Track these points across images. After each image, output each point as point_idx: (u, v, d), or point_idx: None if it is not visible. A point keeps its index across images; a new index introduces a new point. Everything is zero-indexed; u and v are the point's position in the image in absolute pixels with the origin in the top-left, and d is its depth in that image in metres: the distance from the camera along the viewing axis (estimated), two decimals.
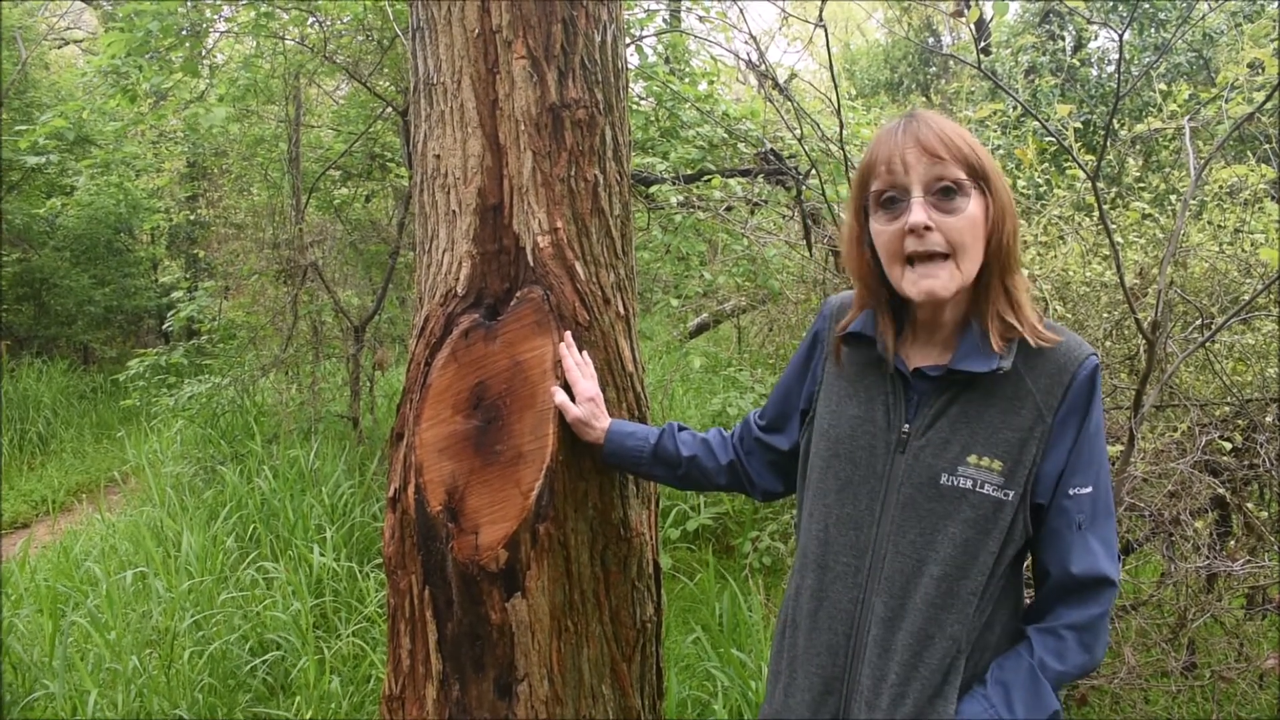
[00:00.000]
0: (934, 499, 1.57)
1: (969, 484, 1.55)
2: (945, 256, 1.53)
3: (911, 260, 1.55)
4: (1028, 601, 1.68)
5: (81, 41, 17.18)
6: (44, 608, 4.31)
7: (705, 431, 2.04)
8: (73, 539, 5.73)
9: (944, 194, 1.52)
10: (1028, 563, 1.69)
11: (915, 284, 1.55)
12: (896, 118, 1.62)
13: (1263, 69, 3.89)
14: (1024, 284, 1.59)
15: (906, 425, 1.62)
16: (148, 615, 4.31)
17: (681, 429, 2.03)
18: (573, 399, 1.97)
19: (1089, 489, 1.56)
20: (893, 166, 1.54)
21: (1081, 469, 1.56)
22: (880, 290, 1.66)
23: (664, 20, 6.88)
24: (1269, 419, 3.32)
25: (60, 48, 16.42)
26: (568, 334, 2.01)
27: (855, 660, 1.62)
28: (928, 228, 1.52)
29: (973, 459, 1.55)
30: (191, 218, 11.59)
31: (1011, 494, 1.54)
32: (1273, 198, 4.77)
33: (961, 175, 1.52)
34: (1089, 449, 1.56)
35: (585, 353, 2.04)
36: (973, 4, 2.77)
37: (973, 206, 1.53)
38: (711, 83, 5.91)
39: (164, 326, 9.72)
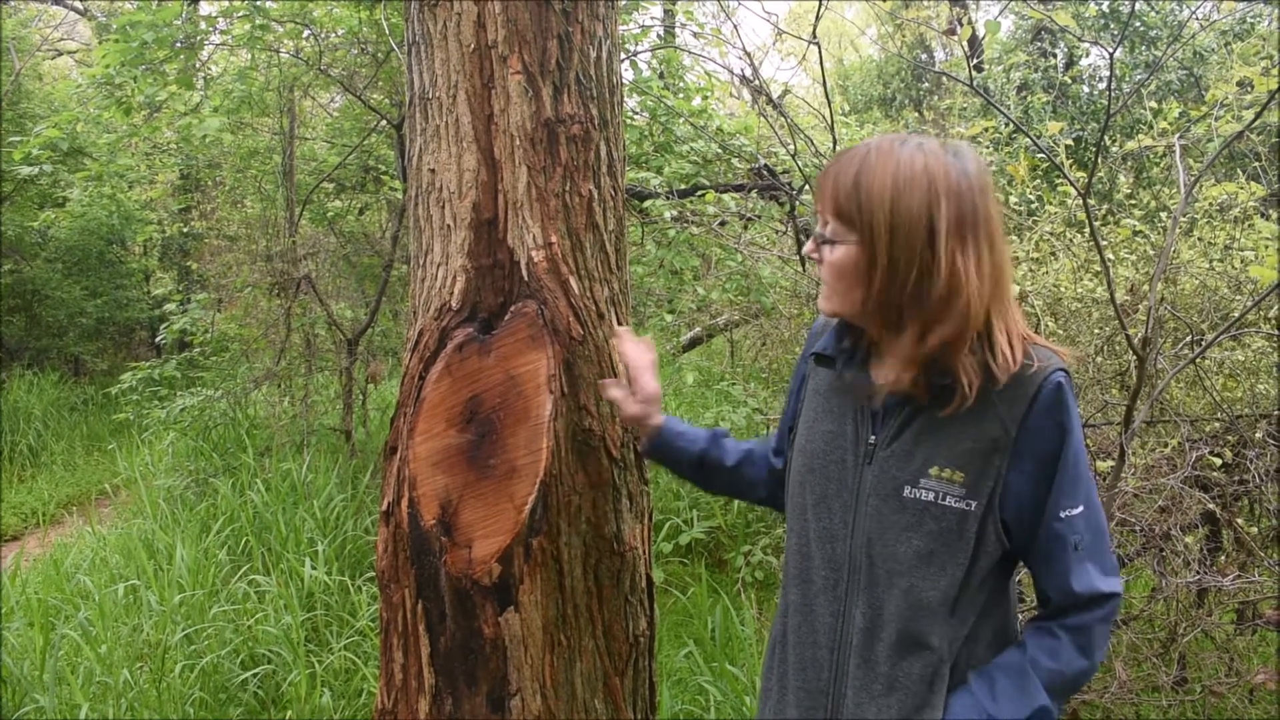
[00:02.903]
0: (898, 510, 1.57)
1: (931, 496, 1.54)
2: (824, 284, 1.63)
3: None
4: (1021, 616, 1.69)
5: (75, 52, 17.21)
6: (34, 621, 4.30)
7: (745, 441, 2.05)
8: (63, 552, 5.71)
9: (823, 235, 1.59)
10: (1019, 576, 1.69)
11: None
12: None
13: (1252, 87, 3.92)
14: (939, 341, 1.49)
15: (873, 437, 1.63)
16: (139, 629, 4.29)
17: (725, 436, 2.03)
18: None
19: (1079, 508, 1.54)
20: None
21: (1069, 490, 1.54)
22: None
23: (658, 35, 6.90)
24: (1259, 435, 3.33)
25: (54, 59, 16.44)
26: (623, 330, 2.06)
27: (840, 673, 1.63)
28: (810, 257, 1.63)
29: (934, 471, 1.55)
30: (184, 230, 11.59)
31: (974, 504, 1.53)
32: (1262, 215, 4.80)
33: (834, 225, 1.55)
34: (1074, 470, 1.54)
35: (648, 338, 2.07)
36: (963, 24, 2.79)
37: (838, 255, 1.54)
38: (705, 98, 5.94)
39: (156, 339, 9.71)
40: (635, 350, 2.01)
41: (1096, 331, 4.01)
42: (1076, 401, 1.61)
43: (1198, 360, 3.32)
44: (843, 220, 1.53)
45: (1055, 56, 11.00)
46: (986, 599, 1.59)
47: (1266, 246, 4.07)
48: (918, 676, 1.55)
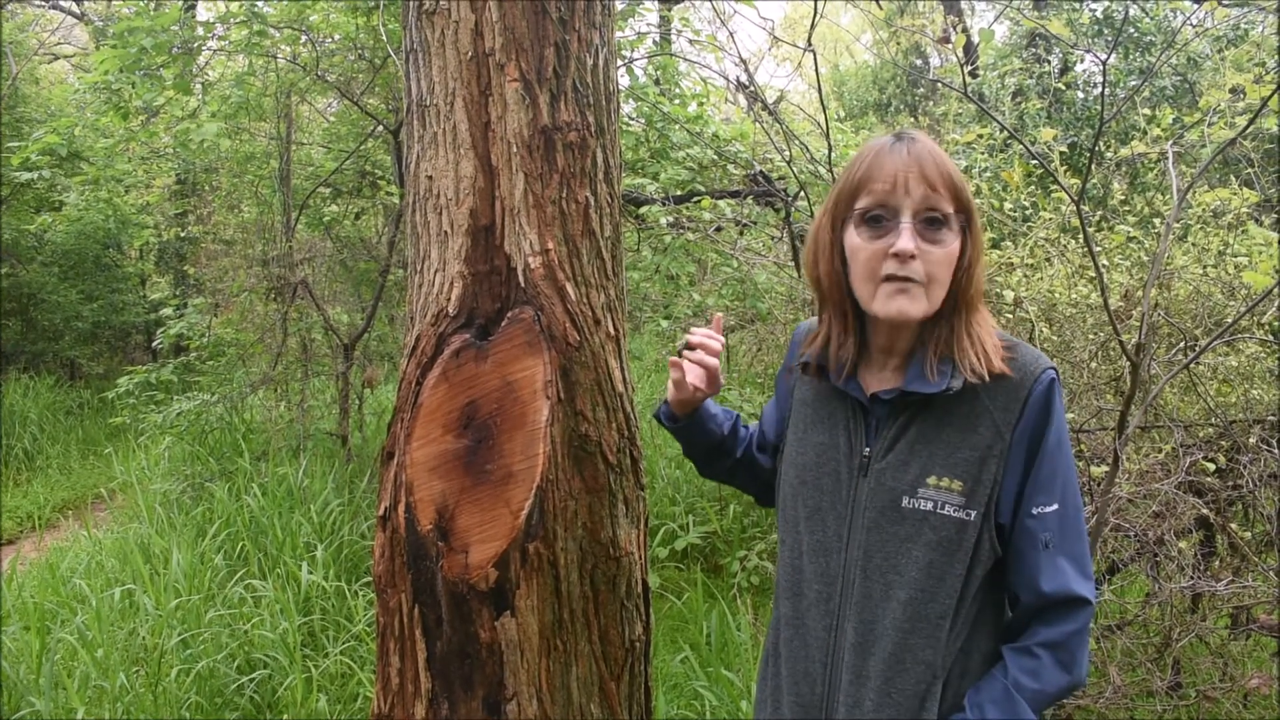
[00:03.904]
0: (896, 522, 1.56)
1: (930, 506, 1.54)
2: (920, 284, 1.53)
3: (888, 278, 1.54)
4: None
5: (72, 57, 17.20)
6: (31, 625, 4.30)
7: (746, 427, 2.04)
8: (59, 556, 5.71)
9: (931, 224, 1.52)
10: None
11: (888, 302, 1.54)
12: (887, 134, 1.60)
13: (1245, 94, 3.94)
14: (982, 323, 1.59)
15: (867, 449, 1.62)
16: (135, 633, 4.29)
17: (740, 424, 2.02)
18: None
19: (1054, 506, 1.53)
20: (891, 186, 1.52)
21: (1044, 487, 1.53)
22: (843, 302, 1.65)
23: (654, 42, 6.92)
24: (1252, 440, 3.35)
25: (50, 63, 16.43)
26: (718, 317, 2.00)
27: (832, 688, 1.62)
28: (913, 255, 1.51)
29: (932, 480, 1.54)
30: (181, 234, 11.58)
31: (973, 514, 1.53)
32: (1256, 220, 4.82)
33: (950, 209, 1.52)
34: (1050, 466, 1.53)
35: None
36: (958, 32, 2.81)
37: (954, 241, 1.54)
38: (701, 104, 5.95)
39: (152, 343, 9.71)
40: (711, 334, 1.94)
41: (1091, 337, 4.02)
42: (1063, 400, 1.61)
43: (1191, 366, 3.33)
44: (959, 209, 1.54)
45: (1050, 63, 11.02)
46: (979, 612, 1.59)
47: (1260, 252, 4.09)
48: (910, 691, 1.55)
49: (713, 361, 1.86)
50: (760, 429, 2.00)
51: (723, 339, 1.93)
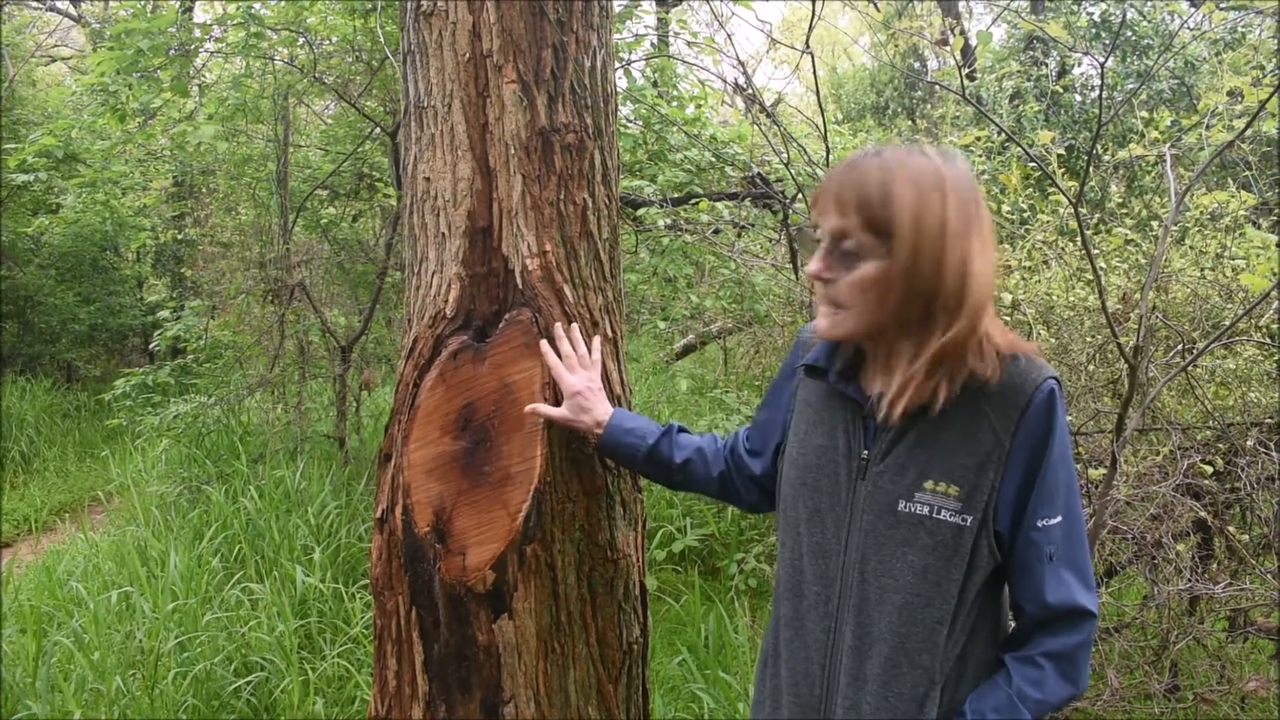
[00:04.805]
0: (893, 525, 1.55)
1: (926, 510, 1.53)
2: (836, 307, 1.55)
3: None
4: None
5: (69, 59, 17.19)
6: (27, 627, 4.29)
7: (703, 436, 2.02)
8: (56, 558, 5.70)
9: (841, 252, 1.52)
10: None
11: (819, 322, 1.59)
12: (865, 147, 1.59)
13: (1242, 97, 3.95)
14: (956, 339, 1.49)
15: (865, 451, 1.61)
16: (131, 635, 4.28)
17: (681, 430, 2.01)
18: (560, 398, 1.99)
19: (1058, 519, 1.53)
20: (819, 207, 1.54)
21: (1048, 499, 1.52)
22: None
23: (652, 44, 6.92)
24: (1250, 443, 3.35)
25: (47, 65, 16.42)
26: (558, 326, 2.03)
27: (830, 690, 1.62)
28: (819, 278, 1.54)
29: (929, 484, 1.53)
30: (178, 236, 11.56)
31: (970, 519, 1.52)
32: (1253, 223, 4.82)
33: (863, 236, 1.49)
34: (1054, 478, 1.53)
35: (595, 340, 2.09)
36: (955, 34, 2.81)
37: (868, 269, 1.49)
38: (699, 106, 5.95)
39: (149, 346, 9.69)
40: (560, 346, 2.02)
41: (1089, 340, 4.03)
42: (1065, 409, 1.60)
43: (1189, 368, 3.33)
44: (874, 232, 1.48)
45: (1047, 65, 11.03)
46: (978, 618, 1.58)
47: (1257, 255, 4.09)
48: (908, 695, 1.54)
49: (568, 382, 1.97)
50: (747, 432, 1.98)
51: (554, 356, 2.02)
